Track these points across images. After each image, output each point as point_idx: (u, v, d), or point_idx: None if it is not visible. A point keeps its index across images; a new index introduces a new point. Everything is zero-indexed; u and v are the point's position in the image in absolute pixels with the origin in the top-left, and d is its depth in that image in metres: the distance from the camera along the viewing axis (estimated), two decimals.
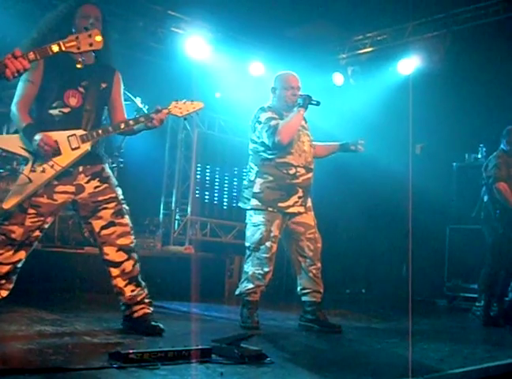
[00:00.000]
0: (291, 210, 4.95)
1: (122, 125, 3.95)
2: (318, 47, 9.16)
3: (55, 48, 3.08)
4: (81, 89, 3.96)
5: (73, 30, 3.87)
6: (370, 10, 7.56)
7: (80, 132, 3.89)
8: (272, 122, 4.88)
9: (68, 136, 3.85)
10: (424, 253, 8.47)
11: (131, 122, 3.98)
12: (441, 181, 8.94)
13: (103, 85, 4.08)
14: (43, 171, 3.78)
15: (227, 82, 8.82)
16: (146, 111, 7.04)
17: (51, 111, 3.89)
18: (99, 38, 3.19)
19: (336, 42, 9.13)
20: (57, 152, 3.79)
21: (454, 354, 4.16)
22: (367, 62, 9.00)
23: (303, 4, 7.49)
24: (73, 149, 3.85)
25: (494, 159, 6.39)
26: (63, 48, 3.09)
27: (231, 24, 8.32)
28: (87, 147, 3.89)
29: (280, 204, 4.92)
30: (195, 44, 8.33)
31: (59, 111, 3.89)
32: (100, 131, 3.92)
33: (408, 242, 6.99)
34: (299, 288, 5.08)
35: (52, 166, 3.79)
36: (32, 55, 3.04)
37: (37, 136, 3.73)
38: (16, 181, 3.80)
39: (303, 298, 5.07)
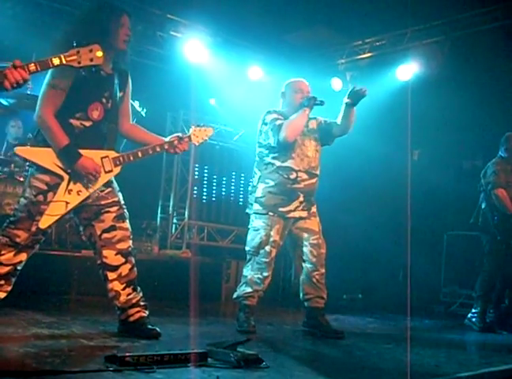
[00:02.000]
0: (291, 215, 4.94)
1: (151, 151, 4.06)
2: (317, 52, 9.17)
3: (56, 61, 3.06)
4: (104, 100, 3.92)
5: (109, 37, 3.89)
6: (369, 16, 7.57)
7: (112, 154, 3.94)
8: (278, 122, 4.90)
9: (102, 158, 3.89)
10: (422, 259, 8.46)
11: (157, 149, 4.11)
12: (439, 187, 8.95)
13: (120, 94, 4.08)
14: (79, 193, 3.83)
15: (226, 86, 8.83)
16: (144, 115, 7.09)
17: (72, 121, 3.82)
18: (99, 53, 3.18)
19: (334, 47, 9.13)
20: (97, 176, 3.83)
21: (450, 359, 4.17)
22: (365, 68, 8.99)
23: (302, 9, 7.51)
24: (106, 172, 3.92)
25: (492, 165, 6.40)
26: (64, 61, 3.08)
27: (230, 28, 8.33)
28: (118, 170, 3.97)
29: (281, 209, 4.91)
30: (194, 48, 8.32)
31: (81, 124, 3.84)
32: (132, 157, 4.00)
33: (406, 247, 6.99)
34: (301, 294, 5.06)
35: (87, 189, 3.85)
36: (32, 67, 3.01)
37: (84, 163, 3.75)
38: (53, 203, 3.77)
39: (306, 304, 5.05)
